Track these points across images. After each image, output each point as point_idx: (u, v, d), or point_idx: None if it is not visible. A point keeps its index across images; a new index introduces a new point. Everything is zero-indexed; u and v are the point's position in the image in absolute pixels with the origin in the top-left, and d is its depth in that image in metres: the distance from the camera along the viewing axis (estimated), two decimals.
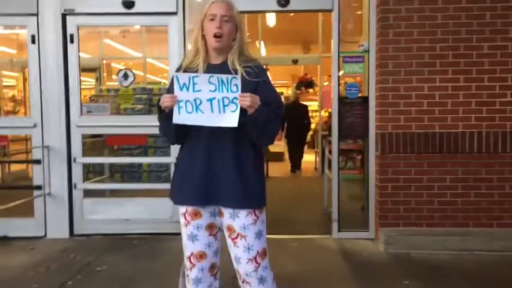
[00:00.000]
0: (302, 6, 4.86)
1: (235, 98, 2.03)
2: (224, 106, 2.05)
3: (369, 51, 4.81)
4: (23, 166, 8.06)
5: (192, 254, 2.25)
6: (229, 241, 2.24)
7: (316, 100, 11.97)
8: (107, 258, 4.32)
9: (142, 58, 8.69)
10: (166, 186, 4.95)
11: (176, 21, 4.87)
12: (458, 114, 4.50)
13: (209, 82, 2.05)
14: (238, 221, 2.18)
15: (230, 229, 2.21)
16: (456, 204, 4.54)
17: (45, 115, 4.92)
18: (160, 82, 10.53)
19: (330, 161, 5.39)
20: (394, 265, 4.12)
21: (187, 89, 2.07)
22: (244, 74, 2.12)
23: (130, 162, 6.42)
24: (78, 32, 4.90)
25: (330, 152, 5.37)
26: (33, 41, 4.88)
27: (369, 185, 4.87)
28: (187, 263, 2.28)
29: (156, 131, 4.89)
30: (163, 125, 2.24)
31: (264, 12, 5.80)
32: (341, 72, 4.90)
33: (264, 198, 2.26)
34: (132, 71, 5.09)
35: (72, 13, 4.85)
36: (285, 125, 9.75)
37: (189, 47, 5.03)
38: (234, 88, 2.03)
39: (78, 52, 4.93)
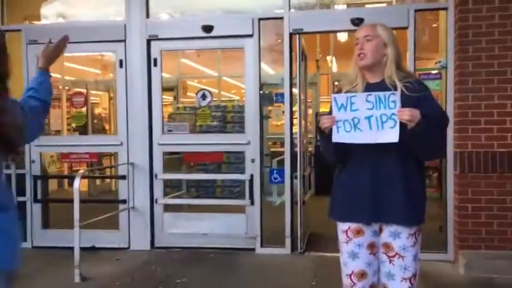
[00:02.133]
0: None
1: (394, 114, 2.07)
2: (382, 123, 2.09)
3: (446, 67, 4.71)
4: (106, 180, 8.58)
5: (353, 272, 2.27)
6: (384, 257, 2.25)
7: None
8: (186, 271, 4.52)
9: (218, 76, 9.00)
10: (240, 202, 5.18)
11: (252, 42, 5.05)
12: None
13: (366, 101, 2.12)
14: (399, 241, 2.21)
15: (388, 247, 2.23)
16: None
17: (130, 134, 5.27)
18: (234, 100, 10.87)
19: None
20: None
21: (345, 109, 2.14)
22: (404, 89, 2.15)
23: (207, 179, 6.65)
24: (161, 56, 5.22)
25: None
26: (120, 65, 5.26)
27: (447, 205, 4.72)
28: (347, 281, 2.30)
29: (230, 148, 5.06)
30: (324, 146, 2.33)
31: (339, 31, 5.86)
32: None
33: (424, 214, 2.29)
34: (209, 91, 5.33)
35: (156, 38, 5.18)
36: None
37: (262, 65, 5.22)
38: (391, 104, 2.08)
39: (161, 75, 5.24)
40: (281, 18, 5.01)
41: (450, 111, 4.65)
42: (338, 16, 5.07)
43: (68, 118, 6.77)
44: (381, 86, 2.20)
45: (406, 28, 4.76)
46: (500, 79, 4.35)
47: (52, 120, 5.96)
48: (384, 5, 5.94)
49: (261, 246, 5.07)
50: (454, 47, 4.58)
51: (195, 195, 6.83)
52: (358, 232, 2.25)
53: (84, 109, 5.59)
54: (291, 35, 4.97)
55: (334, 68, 10.40)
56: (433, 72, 4.84)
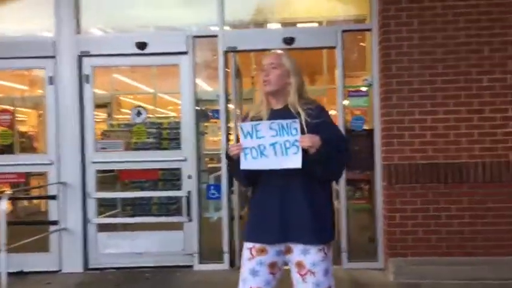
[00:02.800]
0: (307, 44, 5.08)
1: (296, 140, 2.19)
2: (286, 149, 2.21)
3: (372, 85, 4.99)
4: (35, 201, 8.18)
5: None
6: (297, 276, 2.31)
7: None
8: None
9: (153, 93, 8.90)
10: (177, 219, 5.14)
11: (187, 59, 5.09)
12: (462, 145, 4.63)
13: (270, 128, 2.22)
14: (309, 257, 2.27)
15: (300, 265, 2.29)
16: (463, 233, 4.62)
17: (61, 152, 5.10)
18: (170, 116, 10.76)
19: (337, 192, 5.49)
20: None
21: (251, 136, 2.24)
22: (306, 116, 2.28)
23: (143, 196, 6.54)
24: (93, 73, 5.12)
25: (337, 183, 5.47)
26: (50, 82, 5.10)
27: (376, 216, 4.97)
28: None
29: (166, 165, 5.05)
30: (234, 171, 2.41)
31: (270, 49, 6.01)
32: (345, 102, 5.07)
33: (333, 232, 2.38)
34: (145, 108, 5.29)
35: (88, 55, 5.09)
36: None
37: (197, 81, 5.27)
38: (293, 131, 2.19)
39: (93, 91, 5.14)
40: (215, 36, 5.09)
41: (377, 126, 4.92)
42: (271, 35, 5.22)
43: None
44: (284, 112, 2.33)
45: (334, 47, 5.01)
46: (420, 96, 4.67)
47: None
48: (315, 24, 6.19)
49: (199, 262, 5.06)
50: (378, 65, 4.88)
51: (131, 214, 6.66)
52: (262, 251, 2.32)
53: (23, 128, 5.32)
54: (225, 52, 5.06)
55: None
56: (361, 89, 5.10)
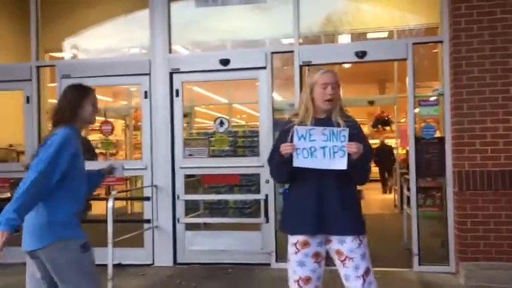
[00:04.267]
0: (378, 57, 5.36)
1: (343, 146, 2.58)
2: (334, 153, 2.60)
3: (443, 94, 5.17)
4: (122, 202, 8.99)
5: (300, 278, 2.69)
6: (338, 262, 2.72)
7: (393, 137, 12.17)
8: (207, 284, 4.91)
9: (228, 103, 9.50)
10: (257, 220, 5.58)
11: (265, 74, 5.55)
12: None
13: (322, 134, 2.61)
14: (346, 246, 2.67)
15: (339, 253, 2.69)
16: None
17: (154, 158, 5.73)
18: (244, 125, 11.35)
19: (408, 198, 5.69)
20: None
21: (305, 139, 2.62)
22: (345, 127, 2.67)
23: (225, 199, 7.06)
24: (182, 87, 5.73)
25: (408, 189, 5.67)
26: (145, 96, 5.76)
27: (447, 221, 5.12)
28: (294, 286, 2.72)
29: (246, 170, 5.54)
30: (279, 167, 2.75)
31: (344, 63, 6.36)
32: (416, 110, 5.29)
33: (365, 225, 2.78)
34: (227, 119, 5.81)
35: (178, 71, 5.70)
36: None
37: (275, 96, 5.70)
38: (342, 138, 2.59)
39: (182, 104, 5.74)
40: (291, 51, 5.51)
41: (448, 134, 5.09)
42: (343, 49, 5.56)
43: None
44: (326, 122, 2.71)
45: (405, 59, 5.25)
46: (492, 104, 4.80)
47: None
48: (385, 34, 6.45)
49: (276, 261, 5.46)
50: (449, 76, 5.05)
51: (209, 216, 7.22)
52: (305, 244, 2.67)
53: (111, 136, 6.05)
54: (300, 66, 5.46)
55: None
56: (432, 98, 5.29)
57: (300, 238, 2.69)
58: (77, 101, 2.68)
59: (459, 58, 4.90)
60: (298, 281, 2.70)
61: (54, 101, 5.92)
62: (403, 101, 6.46)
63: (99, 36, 6.36)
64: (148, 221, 5.72)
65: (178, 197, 5.71)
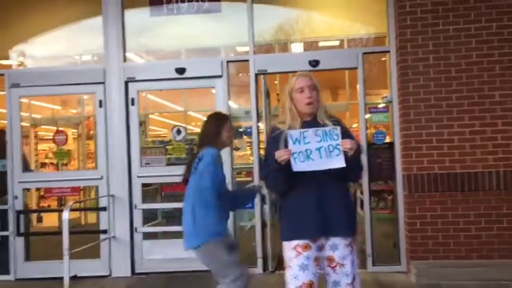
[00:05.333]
0: (330, 65, 5.57)
1: (338, 144, 2.60)
2: (330, 152, 2.61)
3: (392, 102, 5.42)
4: (76, 213, 8.77)
5: (303, 283, 2.58)
6: (328, 269, 2.68)
7: None
8: None
9: (184, 111, 9.47)
10: None
11: (221, 82, 5.62)
12: (476, 155, 5.00)
13: (316, 135, 2.62)
14: (338, 252, 2.66)
15: (330, 259, 2.67)
16: (481, 237, 4.97)
17: (110, 168, 5.66)
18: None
19: (362, 201, 5.90)
20: None
21: (299, 142, 2.61)
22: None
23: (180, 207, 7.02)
24: (138, 96, 5.70)
25: (361, 193, 5.88)
26: (100, 105, 5.69)
27: (399, 222, 5.35)
28: None
29: None
30: (277, 177, 2.67)
31: (297, 71, 6.50)
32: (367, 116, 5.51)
33: (356, 228, 2.79)
34: (184, 127, 5.83)
35: (133, 80, 5.67)
36: None
37: (231, 103, 5.78)
38: (335, 137, 2.61)
39: (138, 112, 5.71)
40: (247, 60, 5.62)
41: (397, 139, 5.34)
42: (298, 59, 5.73)
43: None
44: (314, 123, 2.73)
45: (356, 68, 5.47)
46: (436, 111, 5.08)
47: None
48: (337, 43, 6.67)
49: None
50: (397, 84, 5.31)
51: (166, 224, 7.16)
52: (306, 247, 2.63)
53: (65, 146, 5.93)
54: (256, 75, 5.57)
55: None
56: (381, 105, 5.54)
57: (301, 242, 2.64)
58: (217, 127, 3.35)
59: (405, 67, 5.15)
60: (301, 287, 2.60)
61: (4, 110, 5.77)
62: (355, 108, 6.70)
63: (50, 43, 6.20)
64: (104, 232, 5.64)
65: (135, 206, 5.66)
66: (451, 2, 5.07)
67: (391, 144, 5.44)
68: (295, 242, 2.65)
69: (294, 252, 2.65)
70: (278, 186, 2.76)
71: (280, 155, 2.58)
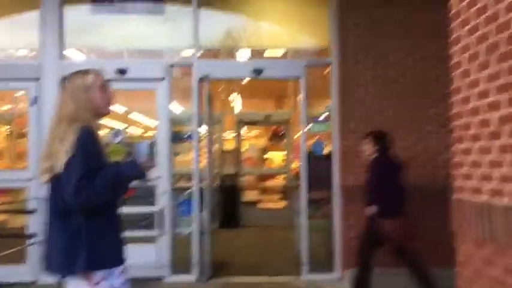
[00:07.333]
0: (274, 74, 5.62)
1: None
2: None
3: (331, 112, 5.54)
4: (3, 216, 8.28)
5: None
6: None
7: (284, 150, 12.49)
8: None
9: (125, 112, 9.26)
10: (151, 232, 5.47)
11: (164, 85, 5.52)
12: (410, 168, 5.18)
13: None
14: None
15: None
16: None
17: None
18: (140, 136, 11.09)
19: (299, 210, 5.97)
20: None
21: None
22: None
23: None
24: None
25: (297, 200, 5.95)
26: (33, 102, 5.42)
27: (335, 231, 5.46)
28: None
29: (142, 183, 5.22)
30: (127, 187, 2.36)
31: (240, 79, 6.54)
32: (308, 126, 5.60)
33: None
34: (122, 130, 5.67)
35: None
36: None
37: (173, 107, 5.68)
38: None
39: None
40: (191, 65, 5.55)
41: (335, 151, 5.45)
42: (242, 66, 5.75)
43: None
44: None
45: (299, 78, 5.55)
46: (376, 123, 5.23)
47: None
48: (281, 52, 6.74)
49: (171, 274, 5.40)
50: (337, 95, 5.44)
51: None
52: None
53: None
54: (200, 80, 5.52)
55: (238, 107, 11.14)
56: (322, 117, 5.66)
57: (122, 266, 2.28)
58: None
59: (346, 80, 5.31)
60: None
61: None
62: (298, 117, 6.80)
63: None
64: (33, 236, 5.35)
65: None
66: (392, 19, 5.28)
67: (328, 155, 5.55)
68: (121, 267, 2.27)
69: (122, 278, 2.25)
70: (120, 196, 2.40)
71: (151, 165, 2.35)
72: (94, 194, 2.14)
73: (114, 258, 2.26)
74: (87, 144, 2.17)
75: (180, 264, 5.53)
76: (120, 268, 2.25)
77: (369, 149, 4.53)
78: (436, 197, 5.13)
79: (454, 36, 2.63)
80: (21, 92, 6.09)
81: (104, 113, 2.38)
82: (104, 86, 2.40)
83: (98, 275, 2.17)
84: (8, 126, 9.51)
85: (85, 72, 2.36)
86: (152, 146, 2.39)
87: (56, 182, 2.21)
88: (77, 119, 2.20)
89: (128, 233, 5.92)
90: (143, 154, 2.33)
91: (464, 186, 2.65)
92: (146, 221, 6.80)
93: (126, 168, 2.31)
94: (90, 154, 2.17)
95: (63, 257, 2.18)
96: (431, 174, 5.20)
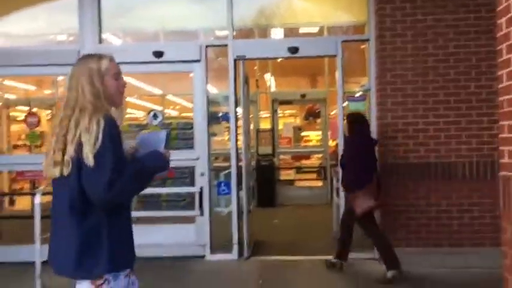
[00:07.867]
0: (310, 52, 5.54)
1: None
2: None
3: (370, 90, 5.44)
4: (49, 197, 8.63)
5: None
6: None
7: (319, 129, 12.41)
8: (142, 277, 4.84)
9: (162, 95, 9.35)
10: (191, 212, 5.58)
11: (199, 67, 5.54)
12: (451, 145, 5.08)
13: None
14: None
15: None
16: (452, 226, 5.08)
17: None
18: (178, 117, 11.22)
19: (338, 189, 5.93)
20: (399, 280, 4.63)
21: None
22: None
23: (158, 193, 6.94)
24: None
25: (338, 180, 5.91)
26: None
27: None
28: None
29: (181, 163, 5.27)
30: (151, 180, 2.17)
31: (277, 58, 6.49)
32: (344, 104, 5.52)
33: None
34: (161, 112, 5.75)
35: None
36: None
37: (209, 88, 5.71)
38: None
39: None
40: (226, 45, 5.55)
41: (373, 128, 5.36)
42: (277, 45, 5.70)
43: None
44: None
45: (335, 56, 5.46)
46: (413, 101, 5.13)
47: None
48: (316, 29, 6.65)
49: (211, 253, 5.51)
50: (375, 73, 5.33)
51: (144, 209, 7.09)
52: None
53: (37, 128, 5.79)
54: (235, 60, 5.51)
55: (273, 86, 11.08)
56: (358, 94, 5.56)
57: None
58: None
59: (384, 56, 5.18)
60: None
61: None
62: (334, 95, 6.70)
63: (23, 22, 6.02)
64: None
65: None
66: None
67: None
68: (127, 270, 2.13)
69: (127, 279, 2.11)
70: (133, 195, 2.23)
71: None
72: (125, 188, 1.99)
73: (130, 260, 2.15)
74: (115, 136, 1.98)
75: (219, 243, 5.63)
76: (127, 270, 2.10)
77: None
78: (482, 174, 5.03)
79: (502, 6, 2.50)
80: (62, 77, 6.26)
81: (117, 102, 2.15)
82: (118, 73, 2.16)
83: (105, 276, 2.00)
84: (50, 111, 9.84)
85: (100, 57, 2.13)
86: (168, 135, 2.25)
87: (66, 177, 1.97)
88: (100, 107, 2.01)
89: (168, 213, 6.15)
90: (162, 144, 2.18)
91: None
92: (186, 201, 6.95)
93: (151, 160, 2.15)
94: (118, 145, 2.00)
95: (77, 258, 1.96)
96: (475, 149, 5.05)
